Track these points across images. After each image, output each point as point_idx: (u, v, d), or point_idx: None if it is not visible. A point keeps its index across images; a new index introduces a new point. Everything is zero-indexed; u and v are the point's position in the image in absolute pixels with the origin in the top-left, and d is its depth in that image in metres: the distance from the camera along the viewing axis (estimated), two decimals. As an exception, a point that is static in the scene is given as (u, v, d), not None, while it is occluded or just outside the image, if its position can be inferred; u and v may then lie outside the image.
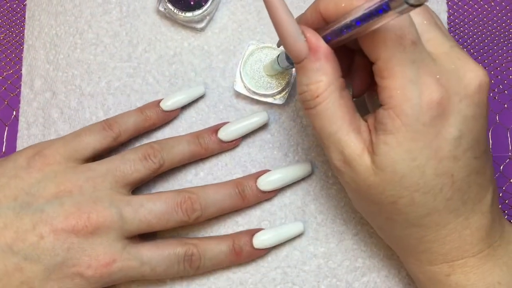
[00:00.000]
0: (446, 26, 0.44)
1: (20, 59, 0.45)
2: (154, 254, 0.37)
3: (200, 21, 0.43)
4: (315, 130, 0.33)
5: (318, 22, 0.32)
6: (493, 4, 0.45)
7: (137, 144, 0.42)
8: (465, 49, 0.44)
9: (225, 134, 0.41)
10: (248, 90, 0.42)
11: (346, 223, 0.42)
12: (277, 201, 0.42)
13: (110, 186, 0.37)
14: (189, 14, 0.42)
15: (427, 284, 0.35)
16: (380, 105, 0.30)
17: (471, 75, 0.30)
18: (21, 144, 0.43)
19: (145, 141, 0.43)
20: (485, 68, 0.44)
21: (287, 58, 0.36)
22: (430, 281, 0.35)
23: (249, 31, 0.44)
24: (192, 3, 0.43)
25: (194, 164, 0.42)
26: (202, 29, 0.44)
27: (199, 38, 0.44)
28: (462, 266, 0.33)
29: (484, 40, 0.44)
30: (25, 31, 0.45)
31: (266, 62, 0.41)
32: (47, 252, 0.35)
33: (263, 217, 0.42)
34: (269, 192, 0.41)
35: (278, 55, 0.38)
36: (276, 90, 0.41)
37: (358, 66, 0.35)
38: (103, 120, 0.41)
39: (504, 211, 0.42)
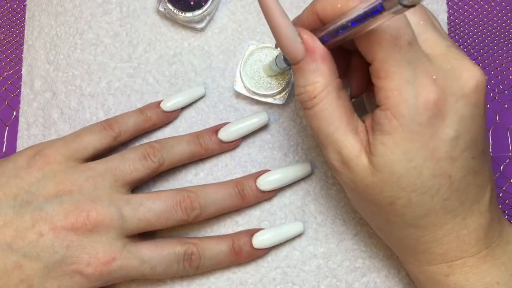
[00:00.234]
0: (446, 26, 0.44)
1: (20, 59, 0.45)
2: (154, 253, 0.37)
3: (200, 21, 0.43)
4: (313, 131, 0.33)
5: (315, 24, 0.32)
6: (493, 4, 0.45)
7: (137, 144, 0.42)
8: (465, 49, 0.44)
9: (225, 134, 0.41)
10: (248, 90, 0.42)
11: (346, 223, 0.42)
12: (277, 201, 0.42)
13: (109, 185, 0.38)
14: (189, 14, 0.42)
15: (426, 284, 0.35)
16: (377, 106, 0.30)
17: (468, 75, 0.30)
18: (21, 144, 0.43)
19: (145, 140, 0.43)
20: (485, 68, 0.44)
21: (285, 59, 0.36)
22: (429, 281, 0.35)
23: (249, 31, 0.44)
24: (192, 3, 0.43)
25: (194, 164, 0.43)
26: (202, 29, 0.44)
27: (199, 38, 0.44)
28: (461, 266, 0.33)
29: (484, 40, 0.44)
30: (25, 31, 0.45)
31: (266, 63, 0.41)
32: (47, 249, 0.35)
33: (263, 217, 0.42)
34: (268, 192, 0.41)
35: (276, 56, 0.38)
36: (276, 90, 0.41)
37: (355, 67, 0.35)
38: (104, 120, 0.41)
39: (504, 211, 0.42)
